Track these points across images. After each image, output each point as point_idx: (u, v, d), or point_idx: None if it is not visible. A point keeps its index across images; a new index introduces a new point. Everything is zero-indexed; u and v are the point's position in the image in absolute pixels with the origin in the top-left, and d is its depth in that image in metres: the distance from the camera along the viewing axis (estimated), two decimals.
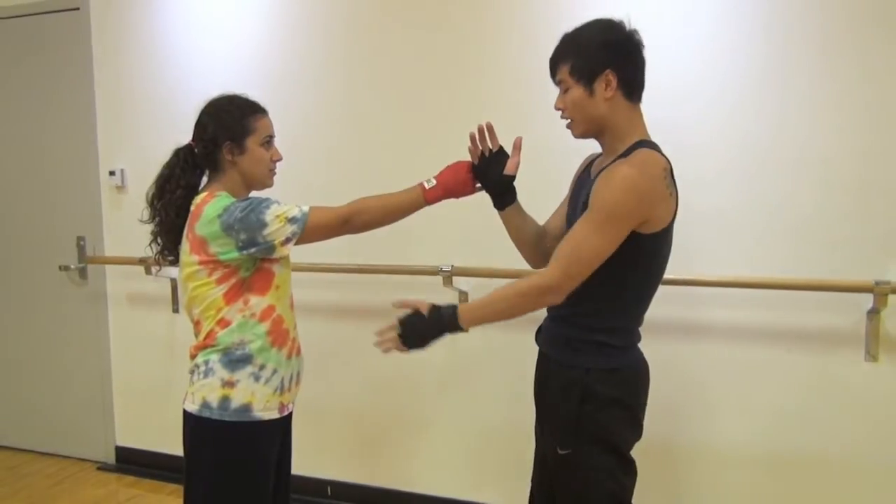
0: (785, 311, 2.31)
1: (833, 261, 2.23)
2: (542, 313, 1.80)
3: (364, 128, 2.80)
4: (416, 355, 2.81)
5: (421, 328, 1.64)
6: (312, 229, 1.73)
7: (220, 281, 1.73)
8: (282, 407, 1.83)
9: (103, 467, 3.46)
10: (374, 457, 2.95)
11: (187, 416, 1.79)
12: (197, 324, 1.81)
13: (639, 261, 1.58)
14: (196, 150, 1.82)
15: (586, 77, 1.57)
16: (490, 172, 1.76)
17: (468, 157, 1.80)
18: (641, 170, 1.51)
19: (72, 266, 3.41)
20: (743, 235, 2.33)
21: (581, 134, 1.65)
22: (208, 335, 1.77)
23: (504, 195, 1.78)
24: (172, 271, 2.73)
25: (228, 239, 1.69)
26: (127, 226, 3.11)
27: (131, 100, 3.20)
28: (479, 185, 1.80)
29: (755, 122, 2.29)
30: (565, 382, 1.64)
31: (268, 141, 1.82)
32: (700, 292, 2.37)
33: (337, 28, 2.81)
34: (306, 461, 2.55)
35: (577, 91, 1.59)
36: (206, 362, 1.77)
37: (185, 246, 1.77)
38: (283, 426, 1.88)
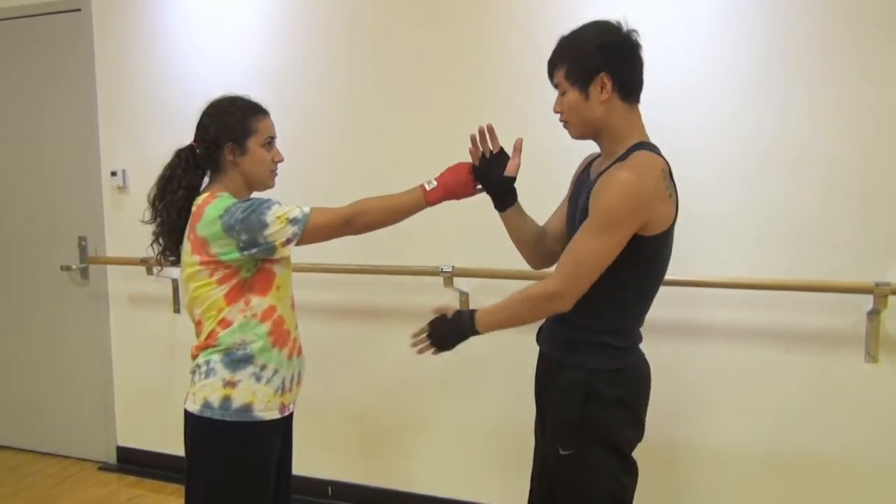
0: (785, 311, 2.32)
1: (833, 262, 2.23)
2: None
3: (365, 129, 2.81)
4: (415, 358, 2.84)
5: (445, 331, 1.71)
6: (313, 230, 1.73)
7: (221, 281, 1.73)
8: (283, 407, 1.84)
9: (104, 467, 3.47)
10: (375, 457, 2.95)
11: (188, 416, 1.79)
12: (198, 324, 1.81)
13: (640, 262, 1.59)
14: (198, 151, 1.82)
15: (581, 80, 1.58)
16: (491, 174, 1.76)
17: (469, 159, 1.81)
18: (639, 173, 1.52)
19: (73, 266, 3.42)
20: (743, 237, 2.33)
21: (578, 136, 1.66)
22: (209, 335, 1.77)
23: (505, 196, 1.78)
24: (174, 272, 2.73)
25: (229, 239, 1.69)
26: (128, 226, 3.11)
27: (133, 100, 3.21)
28: (479, 186, 1.81)
29: (756, 125, 2.29)
30: (568, 383, 1.64)
31: (269, 142, 1.83)
32: (701, 293, 2.37)
33: (339, 29, 2.81)
34: (307, 461, 2.55)
35: (573, 94, 1.60)
36: (208, 362, 1.77)
37: (186, 246, 1.77)
38: (284, 426, 1.89)
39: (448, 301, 1.76)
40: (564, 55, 1.61)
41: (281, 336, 1.81)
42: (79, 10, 3.25)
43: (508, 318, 1.65)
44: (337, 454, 3.00)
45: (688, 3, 2.34)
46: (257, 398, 1.77)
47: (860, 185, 2.20)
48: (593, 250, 1.53)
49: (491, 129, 1.76)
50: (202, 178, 1.86)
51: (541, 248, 1.83)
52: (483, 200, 1.83)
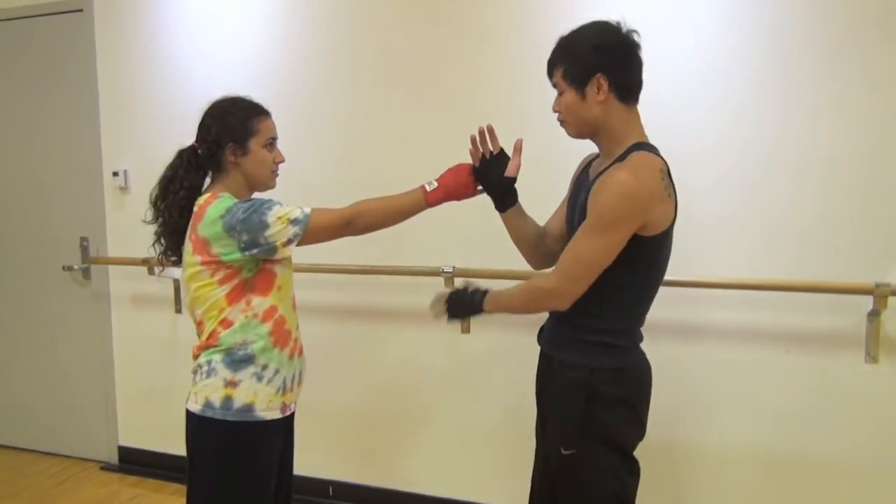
0: (786, 312, 2.32)
1: (834, 263, 2.23)
2: (543, 314, 1.81)
3: (366, 129, 2.81)
4: (416, 358, 2.85)
5: (459, 302, 1.78)
6: (314, 231, 1.74)
7: (222, 281, 1.74)
8: (284, 407, 1.84)
9: (106, 467, 3.47)
10: (376, 457, 2.95)
11: (190, 415, 1.80)
12: (199, 324, 1.82)
13: (639, 262, 1.59)
14: (199, 152, 1.83)
15: (578, 81, 1.58)
16: (491, 175, 1.77)
17: (469, 160, 1.81)
18: (637, 174, 1.52)
19: (75, 266, 3.43)
20: (744, 238, 2.33)
21: (575, 135, 1.67)
22: (211, 335, 1.78)
23: (505, 197, 1.78)
24: (175, 272, 2.74)
25: (231, 240, 1.70)
26: (130, 226, 3.12)
27: (135, 101, 3.22)
28: (480, 187, 1.81)
29: (757, 126, 2.29)
30: (570, 383, 1.65)
31: (271, 142, 1.83)
32: (702, 294, 2.37)
33: (340, 29, 2.82)
34: (308, 461, 2.56)
35: (570, 95, 1.60)
36: (209, 362, 1.78)
37: (187, 247, 1.78)
38: (285, 426, 1.89)
39: (473, 281, 1.79)
40: (562, 55, 1.61)
41: (282, 336, 1.81)
42: (80, 10, 3.26)
43: (510, 305, 1.71)
44: (338, 454, 3.01)
45: (688, 5, 2.34)
46: (258, 398, 1.77)
47: (861, 186, 2.20)
48: (592, 251, 1.54)
49: (491, 130, 1.77)
50: (204, 179, 1.86)
51: (541, 248, 1.83)
52: (484, 201, 1.83)
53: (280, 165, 1.87)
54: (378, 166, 2.78)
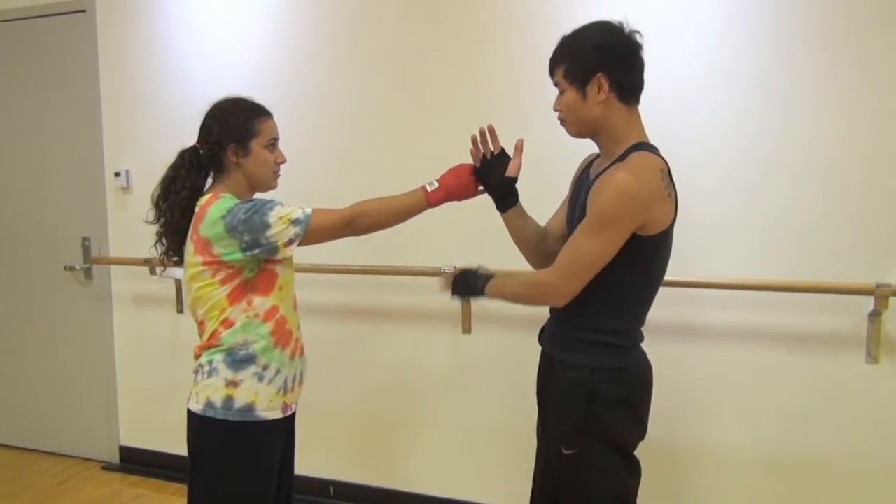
0: (786, 313, 2.32)
1: (834, 264, 2.23)
2: (544, 314, 1.82)
3: (369, 130, 2.82)
4: (417, 358, 2.85)
5: (463, 282, 1.80)
6: (315, 231, 1.74)
7: (223, 282, 1.74)
8: (285, 407, 1.85)
9: (107, 467, 3.48)
10: (377, 457, 2.96)
11: (191, 415, 1.80)
12: (201, 324, 1.82)
13: (639, 262, 1.60)
14: (201, 152, 1.83)
15: (579, 80, 1.59)
16: (492, 175, 1.77)
17: (470, 160, 1.81)
18: (638, 174, 1.53)
19: (77, 266, 3.43)
20: (746, 239, 2.33)
21: (575, 134, 1.68)
22: (212, 335, 1.78)
23: (506, 197, 1.79)
24: (177, 272, 2.75)
25: (232, 240, 1.70)
26: (132, 227, 3.12)
27: (137, 101, 3.22)
28: (481, 187, 1.81)
29: (759, 128, 2.29)
30: (571, 383, 1.65)
31: (272, 143, 1.84)
32: (703, 295, 2.37)
33: (342, 30, 2.82)
34: (309, 461, 2.56)
35: (571, 94, 1.61)
36: (210, 362, 1.78)
37: (189, 247, 1.78)
38: (286, 426, 1.90)
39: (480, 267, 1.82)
40: (564, 54, 1.62)
41: (283, 336, 1.82)
42: (83, 11, 3.27)
43: (510, 294, 1.73)
44: (339, 454, 3.01)
45: (689, 6, 2.34)
46: (259, 398, 1.77)
47: (861, 187, 2.21)
48: (590, 249, 1.55)
49: (492, 130, 1.77)
50: (205, 179, 1.87)
51: (542, 248, 1.83)
52: (484, 201, 1.83)
53: (282, 166, 1.87)
54: (379, 166, 2.78)
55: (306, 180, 2.73)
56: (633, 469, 1.69)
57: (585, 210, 1.58)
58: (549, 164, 2.22)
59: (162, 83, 3.16)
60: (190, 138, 1.87)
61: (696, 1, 2.33)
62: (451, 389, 2.80)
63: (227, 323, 1.76)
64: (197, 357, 1.83)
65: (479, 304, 2.70)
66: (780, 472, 2.37)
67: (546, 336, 1.81)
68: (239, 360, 1.77)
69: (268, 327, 1.78)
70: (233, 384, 1.76)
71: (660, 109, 2.12)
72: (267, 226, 1.70)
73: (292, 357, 1.85)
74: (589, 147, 1.74)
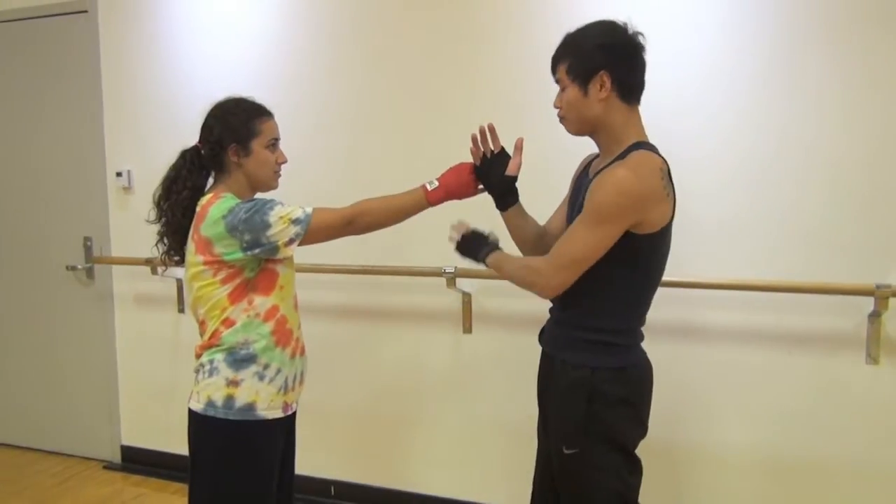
0: (786, 313, 2.32)
1: (834, 264, 2.23)
2: (545, 314, 1.82)
3: (370, 130, 2.82)
4: (417, 357, 2.85)
5: (468, 243, 1.83)
6: (316, 230, 1.74)
7: (224, 281, 1.75)
8: (286, 406, 1.85)
9: (109, 466, 3.48)
10: (378, 457, 2.96)
11: (192, 414, 1.81)
12: (202, 323, 1.83)
13: (637, 261, 1.60)
14: (202, 152, 1.84)
15: (581, 77, 1.59)
16: (492, 173, 1.78)
17: (470, 159, 1.82)
18: (637, 172, 1.53)
19: (79, 266, 3.44)
20: (746, 240, 2.33)
21: (574, 132, 1.68)
22: (213, 335, 1.79)
23: (506, 196, 1.79)
24: (178, 271, 2.76)
25: (233, 240, 1.71)
26: (133, 226, 3.13)
27: (138, 102, 3.23)
28: (481, 186, 1.82)
29: (760, 130, 2.28)
30: (571, 382, 1.65)
31: (273, 143, 1.84)
32: (703, 295, 2.38)
33: (343, 31, 2.82)
34: (310, 461, 2.56)
35: (573, 91, 1.61)
36: (211, 361, 1.79)
37: (190, 246, 1.79)
38: (286, 425, 1.90)
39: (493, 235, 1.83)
40: (567, 51, 1.62)
41: (284, 335, 1.82)
42: (85, 11, 3.28)
43: (506, 272, 1.73)
44: (340, 454, 3.01)
45: (691, 8, 2.34)
46: (260, 397, 1.78)
47: (863, 188, 2.20)
48: (583, 243, 1.55)
49: (492, 129, 1.77)
50: (207, 179, 1.87)
51: (542, 247, 1.83)
52: (485, 201, 1.84)
53: (283, 166, 1.88)
54: (380, 166, 2.79)
55: (308, 180, 2.73)
56: (635, 468, 1.69)
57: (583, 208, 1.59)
58: (549, 163, 2.22)
59: (163, 83, 3.16)
60: (191, 138, 1.87)
61: (697, 2, 2.33)
62: (452, 389, 2.80)
63: (227, 322, 1.77)
64: (198, 356, 1.84)
65: (479, 304, 2.71)
66: (779, 473, 2.37)
67: (546, 336, 1.81)
68: (240, 359, 1.77)
69: (268, 327, 1.79)
70: (234, 383, 1.76)
71: (661, 111, 2.13)
72: (267, 225, 1.70)
73: (293, 356, 1.85)
74: (588, 147, 1.75)
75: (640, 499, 1.72)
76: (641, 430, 1.71)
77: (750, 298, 2.34)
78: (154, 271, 3.15)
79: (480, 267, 2.54)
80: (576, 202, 1.70)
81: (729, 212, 2.34)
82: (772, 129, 2.28)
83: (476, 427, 2.78)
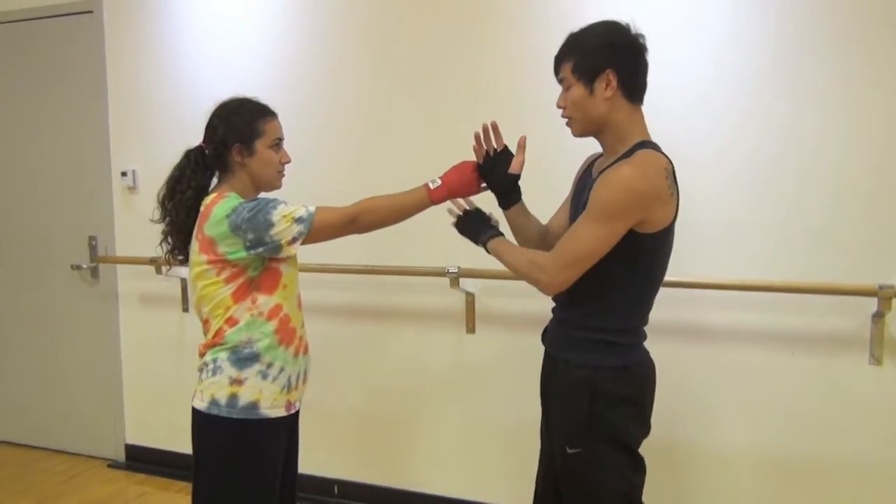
0: (789, 314, 2.32)
1: (837, 265, 2.23)
2: (547, 314, 1.83)
3: (375, 129, 2.83)
4: (421, 357, 2.86)
5: (468, 223, 1.84)
6: (319, 229, 1.75)
7: (228, 280, 1.75)
8: (289, 405, 1.86)
9: (113, 465, 3.50)
10: (381, 456, 2.97)
11: (196, 413, 1.81)
12: (206, 322, 1.83)
13: (639, 260, 1.60)
14: (206, 152, 1.84)
15: (587, 76, 1.59)
16: (495, 172, 1.78)
17: (473, 157, 1.82)
18: (642, 171, 1.53)
19: (83, 265, 3.45)
20: (749, 241, 2.33)
21: (580, 133, 1.67)
22: (217, 333, 1.79)
23: (509, 194, 1.79)
24: (182, 271, 2.76)
25: (236, 239, 1.71)
26: (138, 226, 3.14)
27: (143, 101, 3.24)
28: (484, 184, 1.82)
29: (765, 132, 2.28)
30: (574, 382, 1.65)
31: (277, 143, 1.85)
32: (706, 296, 2.37)
33: (346, 32, 2.83)
34: (313, 460, 2.57)
35: (578, 89, 1.61)
36: (215, 360, 1.79)
37: (194, 246, 1.79)
38: (290, 424, 1.91)
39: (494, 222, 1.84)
40: (572, 50, 1.62)
41: (287, 334, 1.83)
42: (91, 11, 3.29)
43: (508, 261, 1.72)
44: (343, 453, 3.02)
45: (694, 9, 2.34)
46: (263, 396, 1.78)
47: (867, 189, 2.20)
48: (587, 240, 1.55)
49: (495, 127, 1.77)
50: (211, 179, 1.88)
51: (545, 247, 1.83)
52: (491, 201, 1.83)
53: (287, 166, 1.88)
54: (384, 165, 2.79)
55: (312, 180, 2.74)
56: (639, 467, 1.69)
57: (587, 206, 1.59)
58: (550, 163, 2.23)
59: (168, 84, 3.18)
60: (196, 138, 1.88)
61: (700, 3, 2.33)
62: (455, 389, 2.81)
63: (231, 321, 1.77)
64: (202, 355, 1.84)
65: (482, 304, 2.71)
66: (781, 473, 2.36)
67: (549, 336, 1.81)
68: (243, 358, 1.78)
69: (272, 325, 1.79)
70: (237, 382, 1.77)
71: (666, 112, 2.13)
72: (270, 224, 1.71)
73: (296, 355, 1.85)
74: (588, 147, 1.75)
75: (644, 499, 1.72)
76: (644, 428, 1.71)
77: (752, 299, 2.34)
78: (158, 270, 3.16)
79: (484, 266, 2.56)
80: (579, 201, 1.70)
81: (732, 212, 2.34)
82: (776, 129, 2.27)
83: (479, 427, 2.78)
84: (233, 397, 1.76)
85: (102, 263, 3.42)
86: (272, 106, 1.87)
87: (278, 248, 1.73)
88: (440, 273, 2.63)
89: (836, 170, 2.22)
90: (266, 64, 2.97)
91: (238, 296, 1.76)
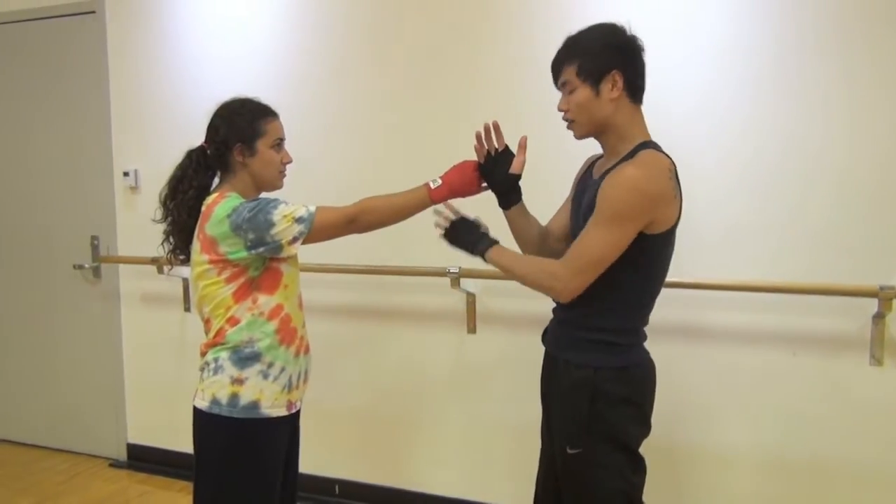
0: (791, 314, 2.32)
1: (839, 266, 2.23)
2: (548, 314, 1.83)
3: (377, 129, 2.83)
4: (422, 357, 2.86)
5: (462, 234, 1.78)
6: (319, 229, 1.75)
7: (229, 280, 1.76)
8: (290, 404, 1.86)
9: (115, 464, 3.50)
10: (382, 456, 2.97)
11: (197, 412, 1.82)
12: (207, 322, 1.84)
13: (642, 261, 1.60)
14: (208, 152, 1.85)
15: (593, 77, 1.59)
16: (496, 171, 1.78)
17: (474, 157, 1.82)
18: (648, 171, 1.53)
19: (86, 265, 3.46)
20: (751, 243, 2.33)
21: (582, 135, 1.67)
22: (218, 333, 1.80)
23: (510, 194, 1.79)
24: (184, 270, 2.77)
25: (237, 239, 1.72)
26: (140, 226, 3.13)
27: (145, 102, 3.25)
28: (484, 184, 1.82)
29: (768, 134, 2.28)
30: (575, 382, 1.65)
31: (278, 143, 1.85)
32: (708, 297, 2.38)
33: (351, 32, 2.83)
34: (314, 460, 2.57)
35: (584, 91, 1.60)
36: (216, 360, 1.80)
37: (195, 245, 1.80)
38: (291, 423, 1.91)
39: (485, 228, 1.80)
40: (576, 52, 1.61)
41: (288, 334, 1.83)
42: (93, 12, 3.30)
43: (514, 269, 1.69)
44: (344, 453, 3.02)
45: (696, 11, 2.33)
46: (264, 395, 1.79)
47: (869, 189, 2.20)
48: (599, 245, 1.55)
49: (497, 127, 1.77)
50: (212, 179, 1.88)
51: (544, 248, 1.84)
52: (491, 202, 1.83)
53: (288, 166, 1.89)
54: (385, 165, 2.80)
55: (314, 180, 2.74)
56: (639, 467, 1.70)
57: (592, 208, 1.59)
58: (549, 163, 2.22)
59: (170, 84, 3.18)
60: (197, 138, 1.88)
61: (700, 4, 2.33)
62: (456, 389, 2.81)
63: (232, 321, 1.78)
64: (203, 355, 1.85)
65: (483, 305, 2.71)
66: (782, 474, 2.36)
67: (549, 336, 1.81)
68: (244, 357, 1.78)
69: (272, 325, 1.80)
70: (238, 381, 1.77)
71: (669, 115, 2.13)
72: (271, 224, 1.71)
73: (297, 355, 1.86)
74: (590, 148, 1.75)
75: (645, 499, 1.72)
76: (645, 429, 1.71)
77: (754, 300, 2.34)
78: (160, 270, 3.17)
79: (485, 266, 2.56)
80: (580, 203, 1.70)
81: (735, 214, 2.33)
82: (778, 130, 2.27)
83: (480, 427, 2.78)
84: (234, 397, 1.77)
85: (104, 263, 3.42)
86: (274, 106, 1.88)
87: (279, 247, 1.74)
88: (441, 273, 2.64)
89: (839, 170, 2.22)
90: (268, 64, 2.97)
91: (239, 295, 1.77)
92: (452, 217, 1.80)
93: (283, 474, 1.90)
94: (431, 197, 1.78)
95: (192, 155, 1.87)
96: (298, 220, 1.73)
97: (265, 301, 1.79)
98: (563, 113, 1.67)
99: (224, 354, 1.79)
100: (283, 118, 1.88)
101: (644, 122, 1.66)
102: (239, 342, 1.78)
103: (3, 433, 3.81)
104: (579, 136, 1.68)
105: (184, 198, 1.83)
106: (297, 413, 1.93)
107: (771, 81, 2.27)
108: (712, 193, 2.33)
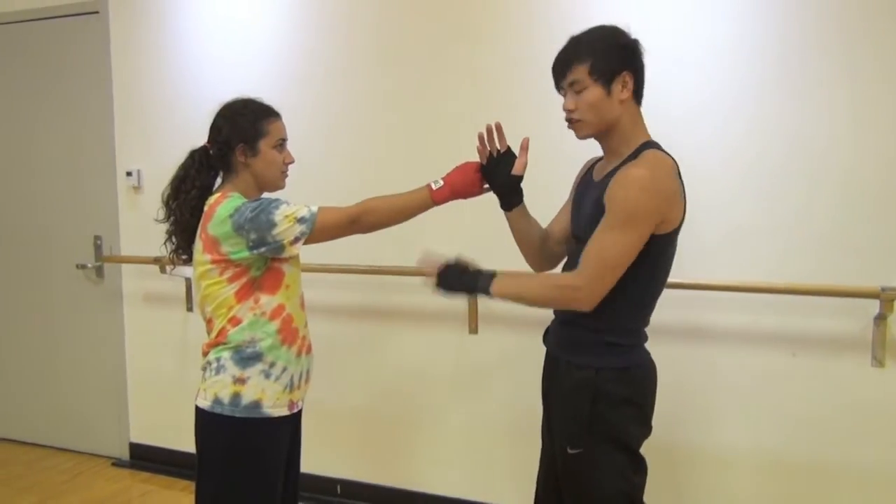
0: (792, 315, 2.31)
1: (841, 267, 2.22)
2: (549, 315, 1.83)
3: (379, 130, 2.83)
4: (423, 357, 2.86)
5: (455, 280, 1.69)
6: (321, 229, 1.75)
7: (231, 280, 1.76)
8: (291, 404, 1.86)
9: (117, 463, 3.51)
10: (383, 456, 2.97)
11: (199, 411, 1.82)
12: (209, 322, 1.84)
13: (644, 262, 1.59)
14: (211, 152, 1.85)
15: (605, 77, 1.58)
16: (498, 173, 1.77)
17: (476, 158, 1.82)
18: (655, 170, 1.53)
19: (88, 265, 3.47)
20: (753, 243, 2.32)
21: (587, 135, 1.66)
22: (220, 333, 1.80)
23: (511, 196, 1.79)
24: (186, 270, 2.77)
25: (239, 238, 1.72)
26: (142, 225, 3.15)
27: (148, 102, 3.26)
28: (486, 185, 1.82)
29: (771, 133, 2.28)
30: (576, 383, 1.65)
31: (280, 144, 1.86)
32: (709, 297, 2.37)
33: (353, 33, 2.84)
34: (316, 459, 2.58)
35: (596, 91, 1.59)
36: (218, 359, 1.80)
37: (198, 245, 1.80)
38: (292, 423, 1.91)
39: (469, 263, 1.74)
40: (585, 52, 1.59)
41: (290, 334, 1.83)
42: (96, 12, 3.31)
43: (526, 295, 1.66)
44: (346, 452, 3.03)
45: (698, 11, 2.34)
46: (266, 395, 1.79)
47: (873, 190, 2.19)
48: (615, 248, 1.54)
49: (499, 128, 1.77)
50: (215, 179, 1.89)
51: (544, 250, 1.84)
52: (492, 203, 1.84)
53: (290, 166, 1.89)
54: (388, 166, 2.80)
55: (316, 180, 2.75)
56: (640, 467, 1.70)
57: (597, 211, 1.58)
58: (549, 164, 2.22)
59: (173, 84, 3.19)
60: (200, 138, 1.89)
61: (702, 4, 2.33)
62: (458, 389, 2.81)
63: (234, 321, 1.78)
64: (205, 354, 1.85)
65: (485, 305, 2.71)
66: (783, 475, 2.36)
67: (551, 337, 1.81)
68: (246, 357, 1.79)
69: (274, 325, 1.80)
70: (240, 381, 1.78)
71: (671, 116, 2.13)
72: (273, 224, 1.71)
73: (298, 355, 1.86)
74: (590, 149, 1.75)
75: (646, 500, 1.72)
76: (646, 429, 1.71)
77: (755, 301, 2.34)
78: (163, 270, 3.18)
79: (484, 267, 2.56)
80: (581, 205, 1.70)
81: (738, 214, 2.33)
82: (782, 131, 2.27)
83: (481, 427, 2.78)
84: (236, 396, 1.77)
85: (107, 263, 3.43)
86: (276, 106, 1.88)
87: (281, 247, 1.74)
88: None
89: (843, 170, 2.21)
90: (270, 64, 2.98)
91: (241, 295, 1.77)
92: (436, 268, 1.71)
93: (285, 474, 1.90)
94: (433, 198, 1.78)
95: (194, 155, 1.88)
96: (300, 221, 1.74)
97: (267, 301, 1.79)
98: (566, 113, 1.65)
99: (226, 354, 1.79)
100: (285, 118, 1.89)
101: (644, 123, 1.66)
102: (241, 342, 1.78)
103: (6, 432, 3.82)
104: (583, 137, 1.66)
105: (186, 198, 1.83)
106: (299, 413, 1.94)
107: (774, 81, 2.27)
108: (716, 195, 2.33)
